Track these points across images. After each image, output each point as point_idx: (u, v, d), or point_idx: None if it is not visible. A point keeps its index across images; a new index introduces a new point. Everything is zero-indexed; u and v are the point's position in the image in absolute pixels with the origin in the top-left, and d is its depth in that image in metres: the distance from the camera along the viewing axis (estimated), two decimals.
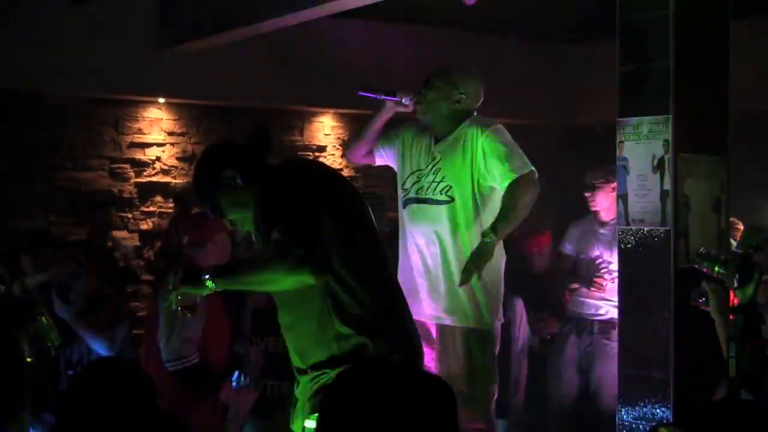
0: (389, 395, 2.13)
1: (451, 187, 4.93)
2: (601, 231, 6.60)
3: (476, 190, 4.91)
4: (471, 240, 4.88)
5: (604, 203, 6.52)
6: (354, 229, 3.63)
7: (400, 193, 5.15)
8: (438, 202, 4.95)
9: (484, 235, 4.78)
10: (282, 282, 3.48)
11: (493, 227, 4.77)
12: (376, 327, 3.56)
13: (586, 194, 6.56)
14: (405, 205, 5.09)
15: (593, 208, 6.61)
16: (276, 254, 3.40)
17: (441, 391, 2.19)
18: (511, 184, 4.82)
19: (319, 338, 3.57)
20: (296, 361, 3.75)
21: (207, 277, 3.59)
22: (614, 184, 6.34)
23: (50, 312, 5.44)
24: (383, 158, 5.32)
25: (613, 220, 6.39)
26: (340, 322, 3.53)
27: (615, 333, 6.36)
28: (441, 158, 4.99)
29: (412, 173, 5.08)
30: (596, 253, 6.57)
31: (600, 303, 6.49)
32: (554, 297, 6.96)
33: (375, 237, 3.75)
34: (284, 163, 3.87)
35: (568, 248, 6.80)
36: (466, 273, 4.76)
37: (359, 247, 3.61)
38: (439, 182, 4.96)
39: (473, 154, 4.89)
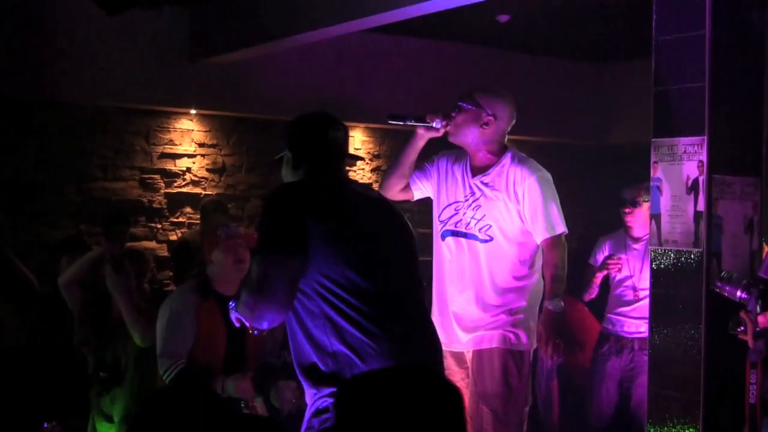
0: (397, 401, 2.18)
1: (490, 226, 4.90)
2: (634, 246, 6.61)
3: (515, 232, 4.91)
4: (504, 277, 4.90)
5: (640, 220, 6.55)
6: (358, 257, 3.59)
7: (437, 226, 5.06)
8: (476, 239, 4.93)
9: (552, 304, 4.89)
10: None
11: (555, 294, 4.88)
12: (373, 351, 3.50)
13: (626, 210, 6.55)
14: (442, 237, 5.05)
15: (629, 224, 6.61)
16: (243, 301, 3.61)
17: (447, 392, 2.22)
18: (551, 245, 4.90)
19: (314, 354, 3.57)
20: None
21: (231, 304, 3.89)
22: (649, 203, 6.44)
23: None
24: (421, 191, 5.17)
25: (645, 235, 6.46)
26: (336, 341, 3.52)
27: None
28: (482, 195, 4.94)
29: (449, 205, 5.01)
30: (628, 268, 6.57)
31: (639, 321, 6.48)
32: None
33: (390, 264, 3.72)
34: (311, 181, 3.84)
35: (598, 260, 6.77)
36: (555, 348, 4.87)
37: (364, 275, 3.56)
38: (478, 219, 4.91)
39: (516, 197, 4.87)
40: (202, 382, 4.82)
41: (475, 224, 4.92)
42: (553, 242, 4.90)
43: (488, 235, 4.89)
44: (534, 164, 4.95)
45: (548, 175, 4.95)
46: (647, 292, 6.34)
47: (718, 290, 4.35)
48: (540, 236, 4.88)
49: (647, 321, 6.33)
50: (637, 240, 6.61)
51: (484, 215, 4.90)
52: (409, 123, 4.97)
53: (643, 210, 6.46)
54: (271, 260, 3.52)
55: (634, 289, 6.53)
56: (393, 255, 3.76)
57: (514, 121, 5.04)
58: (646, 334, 6.40)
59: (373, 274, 3.58)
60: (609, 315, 6.67)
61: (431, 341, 3.82)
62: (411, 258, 3.86)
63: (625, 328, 6.55)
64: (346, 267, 3.54)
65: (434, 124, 4.94)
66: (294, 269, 3.51)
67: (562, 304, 4.92)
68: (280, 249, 3.51)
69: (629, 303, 6.54)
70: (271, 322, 3.61)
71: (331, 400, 3.44)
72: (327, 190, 3.72)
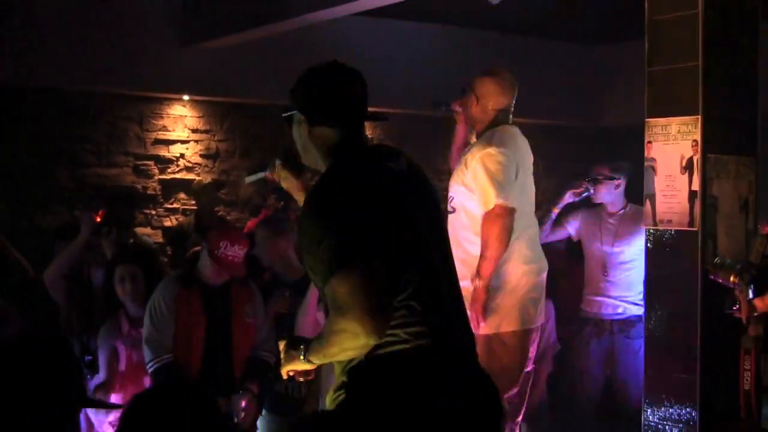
0: None
1: (453, 198, 5.00)
2: (610, 221, 6.67)
3: (471, 205, 4.91)
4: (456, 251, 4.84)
5: (607, 198, 6.66)
6: (412, 264, 3.21)
7: None
8: (446, 212, 4.96)
9: (474, 283, 4.79)
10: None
11: (478, 272, 4.78)
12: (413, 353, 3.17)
13: (590, 187, 6.61)
14: None
15: (595, 201, 6.71)
16: (341, 330, 3.07)
17: None
18: (483, 220, 4.83)
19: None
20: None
21: (303, 357, 3.29)
22: (618, 182, 6.48)
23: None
24: None
25: (619, 211, 6.64)
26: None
27: (634, 331, 6.41)
28: (456, 169, 5.05)
29: None
30: (602, 243, 6.64)
31: (617, 302, 6.51)
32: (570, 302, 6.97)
33: (434, 263, 3.33)
34: (350, 169, 3.28)
35: (569, 228, 6.82)
36: (484, 328, 4.83)
37: (414, 283, 3.19)
38: (449, 192, 5.05)
39: (470, 173, 4.90)
40: (184, 381, 4.83)
41: (448, 197, 5.03)
42: (486, 217, 4.83)
43: (452, 207, 4.99)
44: (490, 141, 4.92)
45: (496, 150, 4.85)
46: (619, 268, 6.48)
47: (711, 276, 4.35)
48: (481, 210, 4.86)
49: (624, 300, 6.44)
50: (611, 215, 6.68)
51: (452, 186, 5.02)
52: (442, 109, 5.31)
53: (606, 186, 6.61)
54: (360, 272, 3.02)
55: (604, 265, 6.59)
56: (435, 250, 3.38)
57: (506, 101, 5.03)
58: (624, 315, 6.47)
59: (421, 280, 3.20)
60: (587, 296, 6.70)
61: (466, 339, 3.45)
62: (447, 245, 3.50)
63: (603, 310, 6.60)
64: (401, 274, 3.14)
65: (456, 109, 5.26)
66: (383, 275, 3.05)
67: (484, 285, 4.80)
68: (366, 261, 3.03)
69: (602, 281, 6.59)
70: (381, 335, 3.04)
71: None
72: (373, 186, 3.22)
